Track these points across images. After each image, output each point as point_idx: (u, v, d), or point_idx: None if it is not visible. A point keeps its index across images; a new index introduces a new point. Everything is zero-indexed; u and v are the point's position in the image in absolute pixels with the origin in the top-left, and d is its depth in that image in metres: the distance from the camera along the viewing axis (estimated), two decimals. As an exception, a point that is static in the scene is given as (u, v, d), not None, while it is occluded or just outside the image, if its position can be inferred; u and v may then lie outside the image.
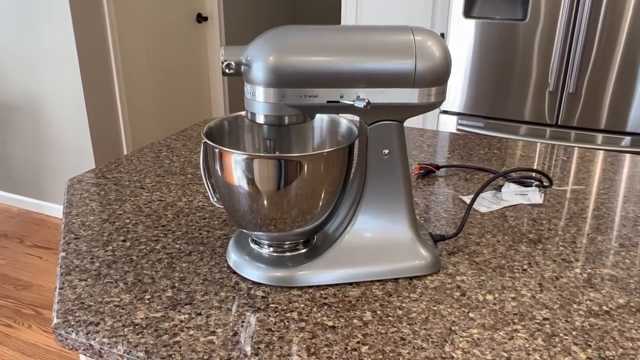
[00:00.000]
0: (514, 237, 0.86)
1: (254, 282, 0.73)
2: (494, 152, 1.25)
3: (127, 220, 0.90)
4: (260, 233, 0.74)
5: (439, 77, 0.69)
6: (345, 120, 0.78)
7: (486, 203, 0.98)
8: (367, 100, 0.66)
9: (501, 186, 1.03)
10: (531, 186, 1.00)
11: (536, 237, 0.87)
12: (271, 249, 0.77)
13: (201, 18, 3.25)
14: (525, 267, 0.78)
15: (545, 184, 0.99)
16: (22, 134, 2.87)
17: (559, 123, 2.12)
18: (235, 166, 0.69)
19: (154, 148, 1.24)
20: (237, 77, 0.69)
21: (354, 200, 0.76)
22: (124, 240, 0.84)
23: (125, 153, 2.83)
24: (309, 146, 0.83)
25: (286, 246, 0.77)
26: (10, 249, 2.68)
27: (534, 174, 1.08)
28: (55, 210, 2.97)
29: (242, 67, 0.68)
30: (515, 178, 1.04)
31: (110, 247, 0.82)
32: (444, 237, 0.82)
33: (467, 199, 0.99)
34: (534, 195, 0.98)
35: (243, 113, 0.81)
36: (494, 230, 0.88)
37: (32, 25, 2.55)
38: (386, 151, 0.72)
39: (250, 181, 0.69)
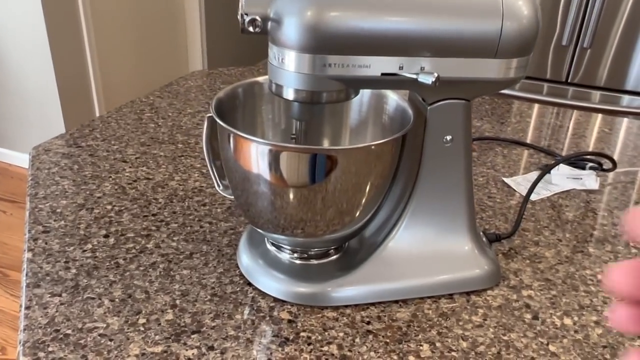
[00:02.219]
0: (576, 235, 0.73)
1: (275, 298, 0.59)
2: (527, 120, 1.10)
3: (109, 207, 0.73)
4: (282, 237, 0.59)
5: (526, 45, 0.52)
6: (394, 95, 0.61)
7: (533, 187, 0.84)
8: (436, 75, 0.50)
9: (547, 165, 0.89)
10: (585, 169, 0.86)
11: (602, 234, 0.73)
12: (294, 254, 0.62)
13: (177, -51, 2.95)
14: (600, 277, 0.65)
15: (605, 167, 0.85)
16: (-22, 75, 2.59)
17: (570, 81, 1.98)
18: (254, 156, 0.53)
19: (135, 107, 1.05)
20: (261, 35, 0.52)
21: (400, 197, 0.61)
22: (106, 236, 0.67)
23: (95, 96, 2.60)
24: (346, 125, 0.66)
25: (312, 252, 0.62)
26: (-29, 201, 2.47)
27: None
28: (18, 159, 2.74)
29: (269, 23, 0.50)
30: (566, 158, 0.90)
31: (90, 246, 0.65)
32: (500, 237, 0.68)
33: (512, 182, 0.84)
34: (590, 180, 0.84)
35: (261, 79, 0.64)
36: (552, 225, 0.75)
37: (-16, -49, 2.24)
38: (448, 137, 0.57)
39: (275, 174, 0.53)
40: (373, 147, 0.53)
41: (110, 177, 0.80)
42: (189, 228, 0.69)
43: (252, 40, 3.57)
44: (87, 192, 0.76)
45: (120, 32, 2.70)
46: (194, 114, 1.03)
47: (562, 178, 0.85)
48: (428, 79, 0.50)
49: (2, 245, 2.20)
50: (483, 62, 0.52)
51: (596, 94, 1.98)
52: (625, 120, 1.14)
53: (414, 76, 0.51)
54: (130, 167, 0.83)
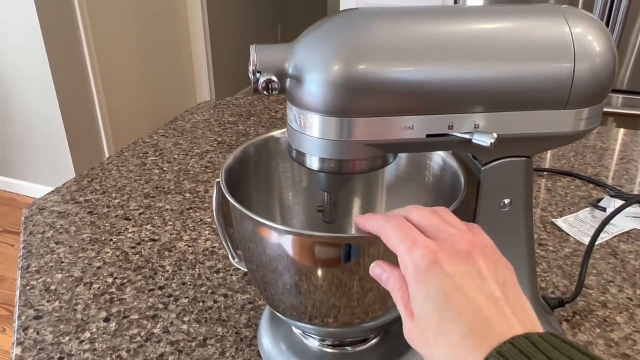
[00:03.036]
0: (648, 291, 0.63)
1: (306, 398, 0.49)
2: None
3: (110, 280, 0.64)
4: (309, 326, 0.49)
5: (602, 90, 0.43)
6: (439, 151, 0.52)
7: (587, 229, 0.74)
8: (495, 136, 0.40)
9: (600, 200, 0.79)
10: (645, 204, 0.76)
11: (678, 288, 0.63)
12: (325, 341, 0.53)
13: (178, -35, 2.87)
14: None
15: (671, 205, 0.75)
16: (-19, 105, 2.53)
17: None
18: (275, 241, 0.44)
19: (137, 151, 0.96)
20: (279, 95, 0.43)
21: (450, 269, 0.51)
22: (106, 319, 0.58)
23: (101, 121, 2.52)
24: (382, 183, 0.57)
25: (347, 340, 0.52)
26: (-22, 236, 2.40)
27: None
28: (26, 188, 2.68)
29: (288, 80, 0.41)
30: (620, 193, 0.80)
31: (88, 334, 0.56)
32: (563, 302, 0.59)
33: (563, 224, 0.75)
34: (653, 219, 0.74)
35: (277, 133, 0.55)
36: (617, 279, 0.65)
37: (-19, -21, 2.18)
38: (507, 201, 0.47)
39: (300, 257, 0.44)
40: (419, 222, 0.43)
41: (111, 240, 0.72)
42: (201, 304, 0.60)
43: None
44: (86, 262, 0.67)
45: (124, 55, 2.63)
46: (201, 155, 0.94)
47: (621, 217, 0.75)
48: (486, 141, 0.40)
49: (10, 282, 2.13)
50: (550, 115, 0.42)
51: (618, 98, 1.87)
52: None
53: (468, 136, 0.41)
54: (133, 226, 0.74)
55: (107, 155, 2.57)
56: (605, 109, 1.84)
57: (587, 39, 0.41)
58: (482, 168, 0.46)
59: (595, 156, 0.95)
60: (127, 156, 0.94)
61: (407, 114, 0.41)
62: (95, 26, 2.40)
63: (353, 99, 0.40)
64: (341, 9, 2.44)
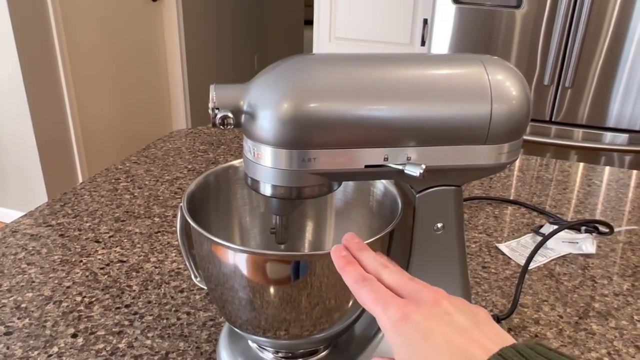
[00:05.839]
0: (577, 309, 0.69)
1: (259, 406, 0.54)
2: (518, 174, 1.07)
3: (79, 298, 0.68)
4: (263, 339, 0.54)
5: (518, 128, 0.49)
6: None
7: (528, 253, 0.80)
8: (424, 167, 0.46)
9: (541, 227, 0.86)
10: (580, 231, 0.83)
11: (604, 307, 0.69)
12: (279, 354, 0.57)
13: (157, -3, 2.95)
14: (607, 360, 0.61)
15: (603, 230, 0.82)
16: (-46, 130, 2.53)
17: (553, 119, 1.98)
18: (231, 261, 0.48)
19: (109, 177, 1.00)
20: (235, 128, 0.48)
21: (391, 287, 0.57)
22: (74, 335, 0.62)
23: (75, 149, 2.55)
24: (331, 207, 0.62)
25: (299, 351, 0.57)
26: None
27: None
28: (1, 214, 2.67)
29: (243, 116, 0.47)
30: (559, 220, 0.87)
31: (56, 349, 0.60)
32: (498, 319, 0.64)
33: (506, 249, 0.81)
34: (587, 244, 0.80)
35: (236, 162, 0.60)
36: (551, 299, 0.71)
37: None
38: (439, 225, 0.53)
39: (254, 275, 0.49)
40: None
41: (81, 261, 0.75)
42: (165, 321, 0.64)
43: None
44: (56, 282, 0.71)
45: (101, 83, 2.67)
46: (171, 182, 0.99)
47: (558, 242, 0.81)
48: (415, 171, 0.46)
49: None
50: (473, 149, 0.49)
51: (578, 132, 1.98)
52: (607, 169, 1.12)
53: (400, 167, 0.47)
54: (102, 248, 0.78)
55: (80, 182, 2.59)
56: (566, 143, 1.96)
57: (503, 84, 0.48)
58: (417, 195, 0.51)
59: (541, 186, 1.02)
60: (99, 182, 0.98)
61: (348, 147, 0.46)
62: (72, 53, 2.44)
63: (300, 133, 0.45)
64: (314, 40, 2.52)
